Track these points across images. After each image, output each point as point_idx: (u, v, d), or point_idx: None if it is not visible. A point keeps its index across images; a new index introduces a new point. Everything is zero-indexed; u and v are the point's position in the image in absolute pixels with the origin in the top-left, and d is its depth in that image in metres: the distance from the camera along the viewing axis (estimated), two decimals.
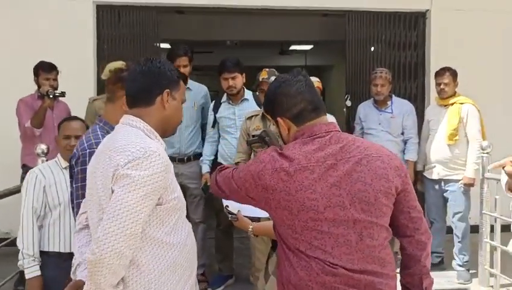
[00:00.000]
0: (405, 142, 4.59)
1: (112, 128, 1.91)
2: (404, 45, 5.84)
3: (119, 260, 1.53)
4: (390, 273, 1.69)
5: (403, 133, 4.58)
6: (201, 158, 4.23)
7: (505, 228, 4.22)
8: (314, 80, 3.90)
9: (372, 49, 5.79)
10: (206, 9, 5.76)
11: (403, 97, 5.17)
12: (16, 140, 4.44)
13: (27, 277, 2.72)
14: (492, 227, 4.14)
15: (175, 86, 1.80)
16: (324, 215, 1.61)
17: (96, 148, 1.84)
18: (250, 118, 3.73)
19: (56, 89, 4.30)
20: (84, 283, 1.71)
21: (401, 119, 4.56)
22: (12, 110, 4.36)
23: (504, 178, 2.01)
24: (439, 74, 4.51)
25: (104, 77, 3.71)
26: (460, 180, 4.36)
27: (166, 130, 1.82)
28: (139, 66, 1.79)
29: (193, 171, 4.24)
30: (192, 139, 4.25)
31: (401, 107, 4.62)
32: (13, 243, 2.94)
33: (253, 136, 3.50)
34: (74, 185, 2.06)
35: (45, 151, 3.53)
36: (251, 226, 2.21)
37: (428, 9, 5.82)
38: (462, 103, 4.41)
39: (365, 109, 4.73)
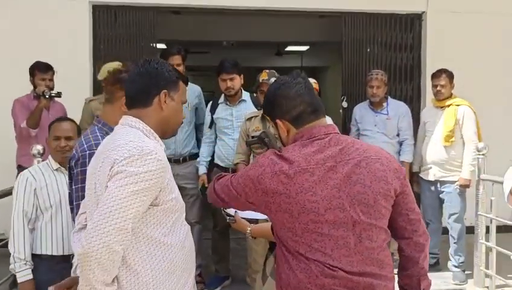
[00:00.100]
0: (400, 143, 4.60)
1: (111, 129, 1.90)
2: (400, 46, 5.84)
3: (107, 254, 1.52)
4: (388, 275, 1.70)
5: (398, 135, 4.59)
6: (197, 159, 4.23)
7: (500, 229, 4.27)
8: (311, 81, 3.89)
9: (368, 50, 5.80)
10: (203, 10, 5.75)
11: (399, 99, 5.17)
12: (11, 140, 4.41)
13: (19, 280, 2.70)
14: (487, 228, 4.16)
15: (173, 87, 1.79)
16: (325, 217, 1.61)
17: (95, 149, 1.84)
18: (249, 119, 3.73)
19: (52, 89, 4.27)
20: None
21: (396, 120, 4.57)
22: (8, 111, 4.33)
23: (508, 187, 1.97)
24: (435, 75, 4.52)
25: (100, 77, 3.70)
26: (456, 181, 4.37)
27: (165, 131, 1.81)
28: (138, 67, 1.78)
29: (189, 171, 4.25)
30: (188, 140, 4.25)
31: (397, 108, 4.63)
32: (8, 244, 2.93)
33: (253, 137, 3.50)
34: (74, 187, 2.05)
35: (41, 152, 3.51)
36: (249, 228, 2.19)
37: (424, 11, 5.83)
38: (458, 105, 4.43)
39: (361, 111, 4.74)
